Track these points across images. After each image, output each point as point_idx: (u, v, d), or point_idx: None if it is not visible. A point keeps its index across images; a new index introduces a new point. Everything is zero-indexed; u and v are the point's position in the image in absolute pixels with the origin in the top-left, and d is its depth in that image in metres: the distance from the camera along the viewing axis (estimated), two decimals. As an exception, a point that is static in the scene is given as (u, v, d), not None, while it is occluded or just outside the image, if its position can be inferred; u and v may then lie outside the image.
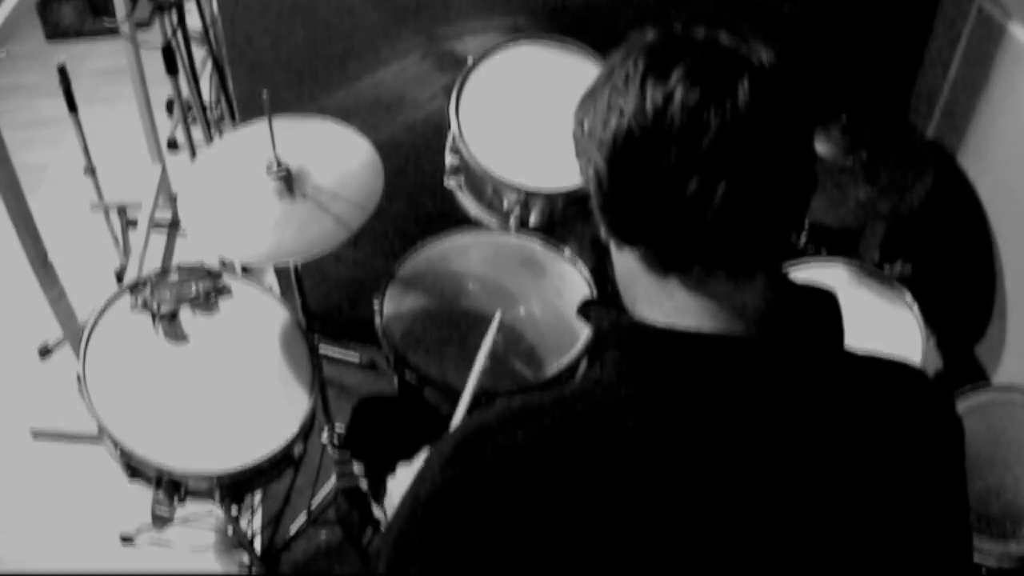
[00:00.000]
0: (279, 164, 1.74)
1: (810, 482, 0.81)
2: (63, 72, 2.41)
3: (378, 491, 1.81)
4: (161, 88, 3.10)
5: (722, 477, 0.79)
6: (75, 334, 2.33)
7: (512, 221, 1.98)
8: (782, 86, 0.80)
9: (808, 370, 0.84)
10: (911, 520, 0.85)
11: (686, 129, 0.77)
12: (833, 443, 0.83)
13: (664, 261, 0.83)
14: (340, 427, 2.14)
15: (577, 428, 0.82)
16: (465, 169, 2.00)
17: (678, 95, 0.77)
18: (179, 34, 2.69)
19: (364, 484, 1.79)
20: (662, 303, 0.85)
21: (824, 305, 0.88)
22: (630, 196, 0.81)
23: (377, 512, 1.81)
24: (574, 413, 0.83)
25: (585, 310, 0.94)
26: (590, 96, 0.85)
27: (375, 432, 1.95)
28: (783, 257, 0.88)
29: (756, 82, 0.78)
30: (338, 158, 1.83)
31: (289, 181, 1.75)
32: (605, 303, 0.93)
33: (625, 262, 0.87)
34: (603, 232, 0.88)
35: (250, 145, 1.79)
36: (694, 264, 0.82)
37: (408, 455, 1.23)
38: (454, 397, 1.69)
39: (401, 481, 1.20)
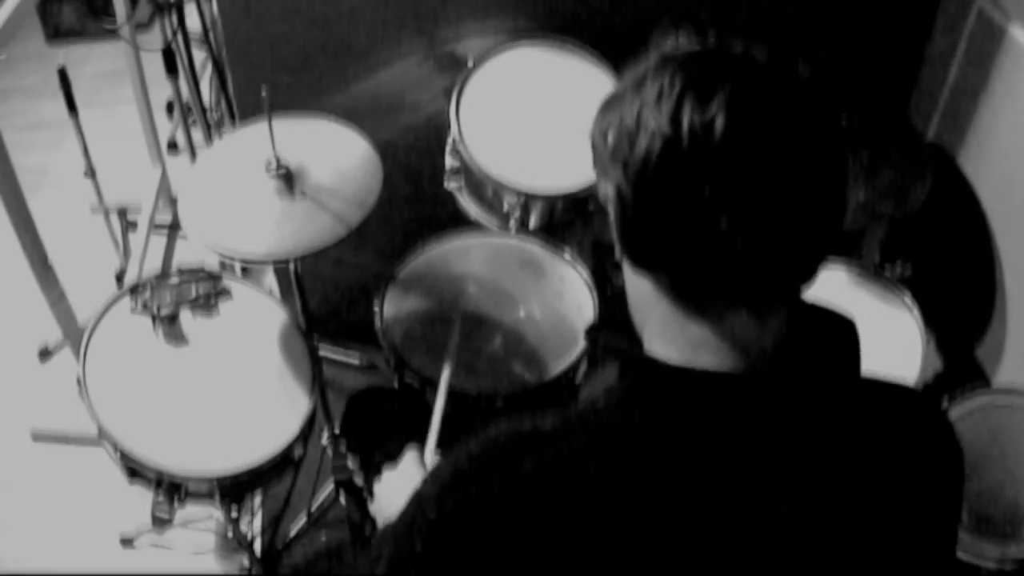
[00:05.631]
0: (278, 163, 1.74)
1: (813, 522, 0.80)
2: (63, 74, 2.41)
3: (372, 486, 1.81)
4: (161, 90, 3.10)
5: (727, 518, 0.78)
6: (75, 336, 2.33)
7: (512, 223, 1.98)
8: (826, 117, 0.76)
9: (818, 406, 0.81)
10: (898, 549, 0.84)
11: (725, 162, 0.72)
12: (840, 482, 0.81)
13: (684, 293, 0.79)
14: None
15: (581, 462, 0.79)
16: (465, 171, 2.01)
17: (719, 124, 0.72)
18: (179, 36, 2.69)
19: (359, 479, 1.79)
20: (675, 336, 0.81)
21: (841, 333, 0.85)
22: (655, 224, 0.76)
23: (372, 508, 1.81)
24: (579, 446, 0.80)
25: (592, 335, 0.91)
26: (615, 104, 0.79)
27: (370, 425, 1.94)
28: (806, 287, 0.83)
29: (801, 115, 0.74)
30: (337, 156, 1.82)
31: (289, 180, 1.75)
32: (613, 328, 0.90)
33: (640, 286, 0.83)
34: (618, 252, 0.83)
35: (250, 145, 1.79)
36: (715, 300, 0.79)
37: (402, 448, 1.23)
38: (454, 398, 1.69)
39: (387, 484, 1.20)
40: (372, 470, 1.80)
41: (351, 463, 1.80)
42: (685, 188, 0.73)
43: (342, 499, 2.14)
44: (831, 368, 0.84)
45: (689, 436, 0.78)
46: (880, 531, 0.82)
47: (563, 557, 0.77)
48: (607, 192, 0.80)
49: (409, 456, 1.21)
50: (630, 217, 0.78)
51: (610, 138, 0.78)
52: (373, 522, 1.89)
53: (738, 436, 0.79)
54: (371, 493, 1.81)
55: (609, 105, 0.81)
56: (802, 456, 0.80)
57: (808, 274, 0.81)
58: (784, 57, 0.77)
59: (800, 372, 0.81)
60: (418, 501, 0.84)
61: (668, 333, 0.82)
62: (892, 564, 0.83)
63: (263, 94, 1.63)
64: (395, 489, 1.16)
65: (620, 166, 0.76)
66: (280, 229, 1.70)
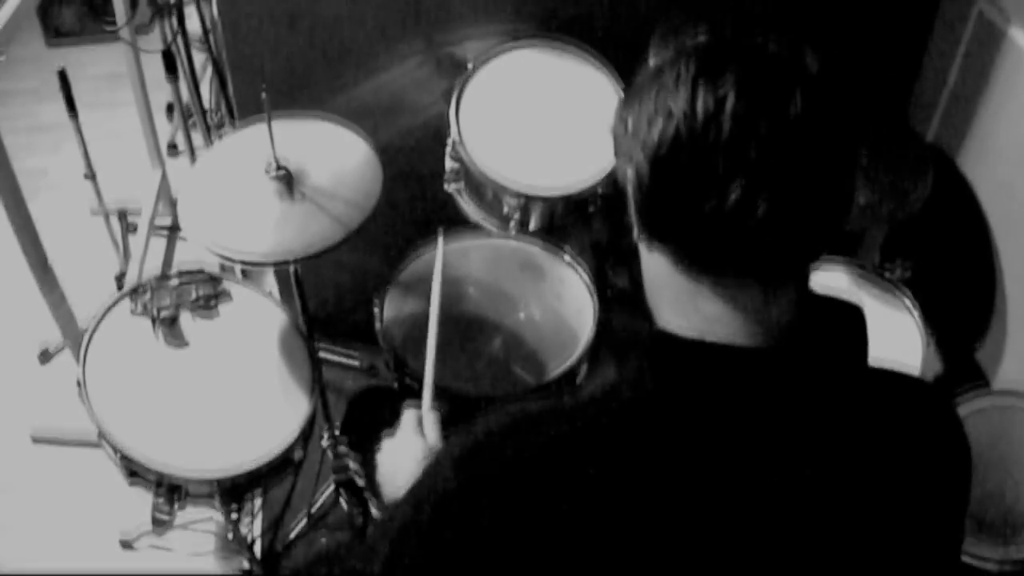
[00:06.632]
0: (278, 165, 1.74)
1: (822, 497, 0.81)
2: (63, 76, 2.41)
3: (375, 486, 1.81)
4: (161, 92, 3.10)
5: (736, 490, 0.79)
6: (75, 338, 2.33)
7: (512, 225, 1.98)
8: (833, 98, 0.80)
9: (829, 385, 0.84)
10: (909, 536, 0.86)
11: (735, 137, 0.76)
12: (849, 459, 0.83)
13: (696, 262, 0.82)
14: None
15: (595, 437, 0.81)
16: (465, 173, 2.01)
17: (730, 102, 0.76)
18: (179, 38, 2.69)
19: (360, 479, 1.79)
20: (688, 312, 0.83)
21: (850, 320, 0.88)
22: (670, 198, 0.80)
23: (374, 508, 1.81)
24: (592, 421, 0.82)
25: (603, 317, 0.94)
26: (636, 94, 0.84)
27: (372, 424, 1.94)
28: (811, 268, 0.87)
29: (808, 94, 0.78)
30: (337, 158, 1.82)
31: (288, 181, 1.75)
32: (630, 308, 0.92)
33: (655, 264, 0.86)
34: (635, 232, 0.86)
35: (249, 147, 1.79)
36: (727, 270, 0.81)
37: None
38: (454, 400, 1.69)
39: (389, 451, 1.19)
40: (373, 468, 1.80)
41: (352, 463, 1.80)
42: (700, 162, 0.77)
43: (343, 500, 2.14)
44: (842, 350, 0.87)
45: (705, 405, 0.80)
46: (889, 513, 0.84)
47: (570, 534, 0.78)
48: (626, 173, 0.83)
49: (407, 418, 1.20)
50: (647, 191, 0.81)
51: (630, 124, 0.82)
52: (375, 521, 1.90)
53: (754, 406, 0.80)
54: (373, 493, 1.81)
55: (630, 97, 0.85)
56: (817, 429, 0.82)
57: (815, 249, 0.84)
58: (794, 44, 0.81)
59: (813, 350, 0.84)
60: (433, 473, 0.85)
61: (682, 309, 0.84)
62: (899, 544, 0.84)
63: (263, 96, 1.63)
64: (398, 454, 1.15)
65: (640, 146, 0.80)
66: (280, 231, 1.70)
